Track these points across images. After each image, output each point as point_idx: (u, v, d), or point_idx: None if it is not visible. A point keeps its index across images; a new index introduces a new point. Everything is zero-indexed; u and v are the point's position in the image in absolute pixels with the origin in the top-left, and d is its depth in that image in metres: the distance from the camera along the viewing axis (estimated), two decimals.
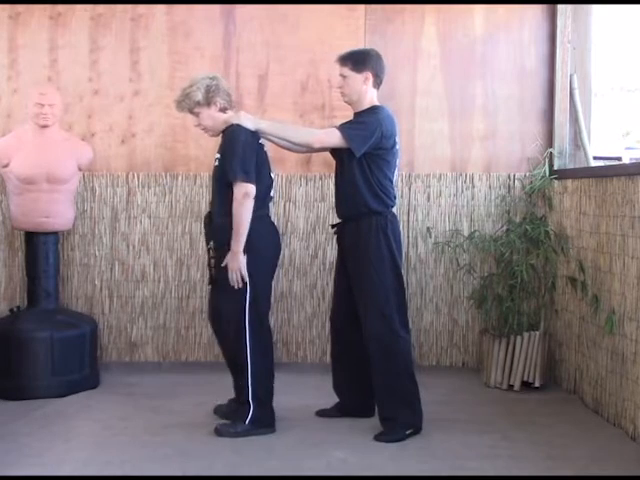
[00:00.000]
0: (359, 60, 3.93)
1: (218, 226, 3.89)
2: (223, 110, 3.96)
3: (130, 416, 4.18)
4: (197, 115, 3.96)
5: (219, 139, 4.01)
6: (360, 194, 3.89)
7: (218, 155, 3.92)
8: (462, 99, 5.17)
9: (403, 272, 4.07)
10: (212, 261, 3.91)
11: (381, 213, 3.91)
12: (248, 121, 3.90)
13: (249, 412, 3.88)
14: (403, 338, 3.92)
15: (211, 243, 3.90)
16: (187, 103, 3.94)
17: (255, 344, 3.86)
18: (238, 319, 3.84)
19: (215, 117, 3.95)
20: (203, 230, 4.12)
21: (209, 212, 4.03)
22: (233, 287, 3.81)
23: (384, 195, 3.92)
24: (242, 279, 3.78)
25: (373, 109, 3.94)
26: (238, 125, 3.87)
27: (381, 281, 3.88)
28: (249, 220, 3.77)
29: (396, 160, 4.01)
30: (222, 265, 3.80)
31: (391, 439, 3.82)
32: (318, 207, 5.13)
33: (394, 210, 4.04)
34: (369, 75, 3.91)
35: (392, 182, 3.98)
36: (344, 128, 3.88)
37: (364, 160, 3.87)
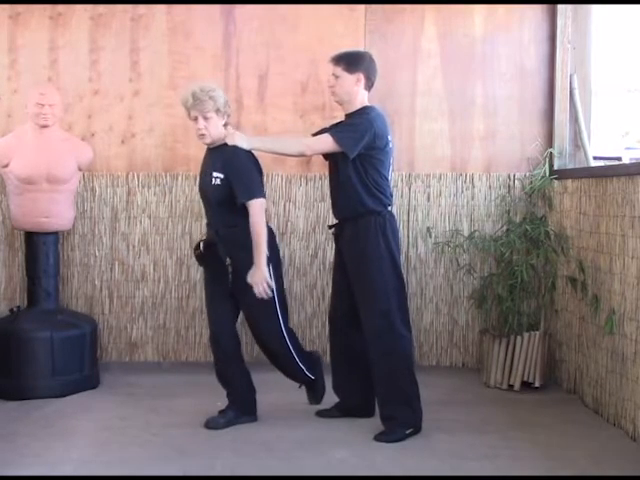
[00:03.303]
0: (352, 61, 3.95)
1: (228, 239, 3.92)
2: (225, 125, 4.01)
3: (130, 416, 4.18)
4: (208, 119, 3.92)
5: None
6: (357, 194, 3.90)
7: (220, 174, 3.91)
8: (462, 99, 5.17)
9: (403, 272, 4.07)
10: (231, 276, 3.95)
11: (379, 212, 3.92)
12: (243, 142, 3.93)
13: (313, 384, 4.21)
14: (404, 337, 3.92)
15: (228, 259, 3.93)
16: (210, 104, 3.91)
17: (291, 338, 4.08)
18: (275, 324, 3.99)
19: (221, 129, 3.97)
20: (198, 251, 4.04)
21: (212, 235, 3.99)
22: (261, 298, 3.88)
23: (380, 194, 3.93)
24: (268, 286, 3.85)
25: (364, 109, 3.95)
26: (238, 147, 3.91)
27: (382, 280, 3.88)
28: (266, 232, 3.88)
29: (390, 159, 4.01)
30: (248, 281, 3.83)
31: (391, 439, 3.82)
32: (318, 207, 5.12)
33: (392, 209, 4.05)
34: (361, 77, 3.93)
35: (388, 181, 3.99)
36: (335, 133, 3.90)
37: (358, 160, 3.88)
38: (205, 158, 4.09)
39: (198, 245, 4.05)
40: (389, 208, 4.00)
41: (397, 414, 3.89)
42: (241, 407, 4.08)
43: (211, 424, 3.99)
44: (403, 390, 3.91)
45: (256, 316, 4.02)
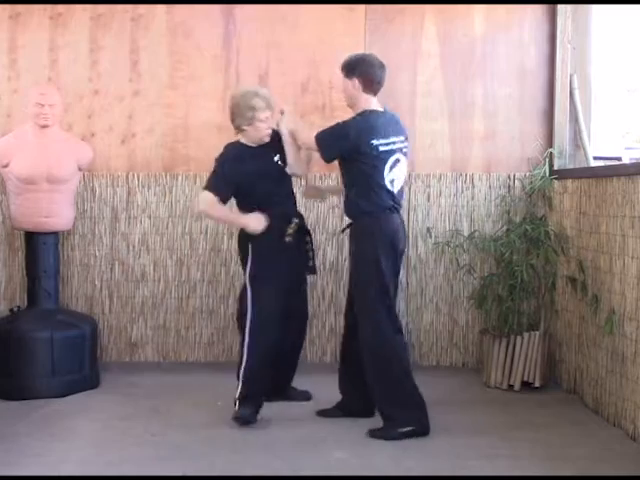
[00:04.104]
0: (348, 67, 4.01)
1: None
2: None
3: (130, 416, 4.18)
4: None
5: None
6: (352, 196, 3.98)
7: (278, 155, 4.19)
8: (462, 99, 5.17)
9: (403, 272, 4.07)
10: (310, 253, 4.29)
11: (371, 213, 3.92)
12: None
13: None
14: (391, 339, 3.90)
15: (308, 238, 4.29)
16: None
17: None
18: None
19: None
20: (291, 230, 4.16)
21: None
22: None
23: (375, 196, 3.91)
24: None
25: (358, 114, 3.99)
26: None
27: (366, 282, 3.91)
28: None
29: (386, 162, 3.91)
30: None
31: (384, 436, 3.83)
32: (318, 207, 5.12)
33: (397, 210, 3.99)
34: (356, 82, 3.97)
35: (383, 184, 3.90)
36: (318, 133, 4.01)
37: (352, 163, 3.95)
38: (256, 157, 4.16)
39: (288, 233, 4.14)
40: (389, 209, 3.93)
41: (395, 416, 3.88)
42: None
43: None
44: (399, 393, 3.90)
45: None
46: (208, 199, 4.09)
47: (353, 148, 3.90)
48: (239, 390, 4.06)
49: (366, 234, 3.92)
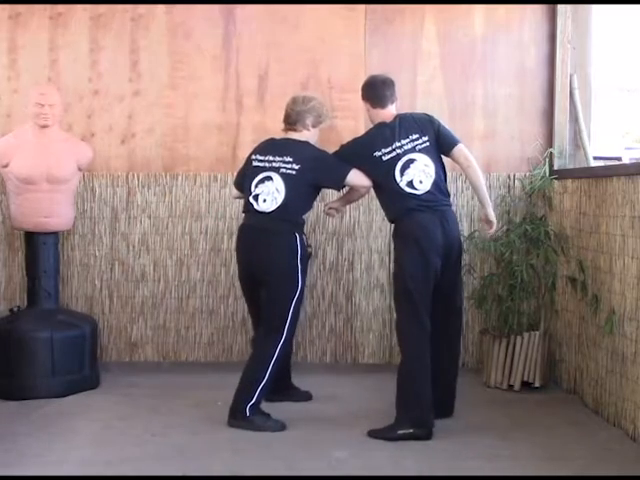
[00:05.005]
0: (361, 93, 4.25)
1: None
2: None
3: (130, 416, 4.18)
4: None
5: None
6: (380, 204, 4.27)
7: None
8: (462, 99, 5.17)
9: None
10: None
11: (394, 219, 4.08)
12: None
13: None
14: (410, 337, 3.93)
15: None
16: None
17: None
18: None
19: None
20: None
21: None
22: None
23: (393, 201, 4.05)
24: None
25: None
26: None
27: (395, 283, 4.05)
28: None
29: (396, 167, 3.98)
30: None
31: (384, 436, 3.83)
32: (318, 207, 5.10)
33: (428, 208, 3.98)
34: (367, 103, 4.21)
35: (399, 189, 3.97)
36: (335, 153, 4.27)
37: (369, 176, 4.13)
38: None
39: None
40: (414, 210, 3.94)
41: (398, 414, 3.89)
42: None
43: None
44: (405, 391, 3.90)
45: None
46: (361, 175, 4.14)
47: (362, 163, 4.08)
48: (256, 400, 3.98)
49: (393, 236, 4.10)
